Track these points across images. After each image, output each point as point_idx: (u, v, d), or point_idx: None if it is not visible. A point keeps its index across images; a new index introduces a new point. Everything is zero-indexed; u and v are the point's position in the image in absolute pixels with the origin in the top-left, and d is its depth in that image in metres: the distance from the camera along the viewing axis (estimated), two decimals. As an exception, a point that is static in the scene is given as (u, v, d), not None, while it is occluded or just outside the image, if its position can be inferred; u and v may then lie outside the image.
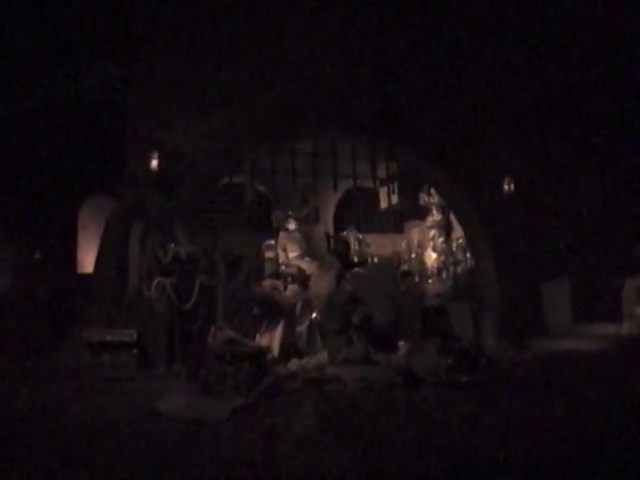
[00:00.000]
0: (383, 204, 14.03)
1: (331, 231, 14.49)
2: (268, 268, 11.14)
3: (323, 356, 7.51)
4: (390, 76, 10.38)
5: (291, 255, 11.18)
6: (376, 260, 13.74)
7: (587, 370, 7.51)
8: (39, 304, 9.35)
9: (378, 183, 13.65)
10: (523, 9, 10.59)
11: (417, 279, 12.94)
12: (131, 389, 6.81)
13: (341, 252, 9.22)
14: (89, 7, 9.03)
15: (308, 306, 8.80)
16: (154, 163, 9.00)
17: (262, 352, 6.64)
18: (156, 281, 8.11)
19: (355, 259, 11.41)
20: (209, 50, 9.79)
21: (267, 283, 9.07)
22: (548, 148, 10.85)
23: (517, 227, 10.60)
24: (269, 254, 11.26)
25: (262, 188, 13.82)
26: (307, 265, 10.87)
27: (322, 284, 8.42)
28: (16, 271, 9.99)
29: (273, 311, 8.47)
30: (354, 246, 13.86)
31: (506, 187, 10.53)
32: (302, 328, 8.54)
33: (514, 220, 10.61)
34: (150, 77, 9.52)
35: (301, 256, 11.34)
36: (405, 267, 13.40)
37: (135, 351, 7.94)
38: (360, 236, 14.10)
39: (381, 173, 12.93)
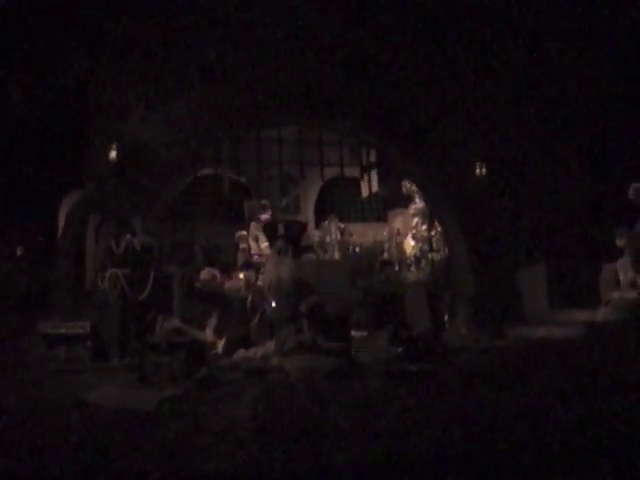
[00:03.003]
0: (364, 192, 13.85)
1: (312, 221, 14.34)
2: (240, 259, 11.01)
3: (270, 346, 7.38)
4: (357, 61, 10.15)
5: (263, 245, 11.02)
6: (357, 250, 13.59)
7: (555, 359, 7.34)
8: (12, 296, 9.25)
9: (359, 171, 13.52)
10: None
11: (397, 268, 12.76)
12: (74, 381, 6.75)
13: (292, 238, 9.09)
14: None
15: (260, 297, 8.66)
16: (113, 154, 8.89)
17: (200, 342, 6.54)
18: (109, 272, 8.05)
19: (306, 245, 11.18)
20: (175, 37, 9.59)
21: (205, 274, 8.87)
22: (523, 132, 10.60)
23: (491, 213, 10.39)
24: (242, 245, 11.12)
25: (241, 178, 13.69)
26: (279, 255, 10.68)
27: (274, 271, 8.30)
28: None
29: (220, 303, 8.32)
30: (335, 235, 13.72)
31: (478, 172, 10.32)
32: (255, 320, 8.40)
33: (488, 206, 10.40)
34: (112, 65, 9.36)
35: (273, 246, 11.15)
36: (386, 256, 13.22)
37: (89, 343, 7.88)
38: (342, 225, 13.94)
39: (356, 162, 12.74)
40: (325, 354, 6.83)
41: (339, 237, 13.75)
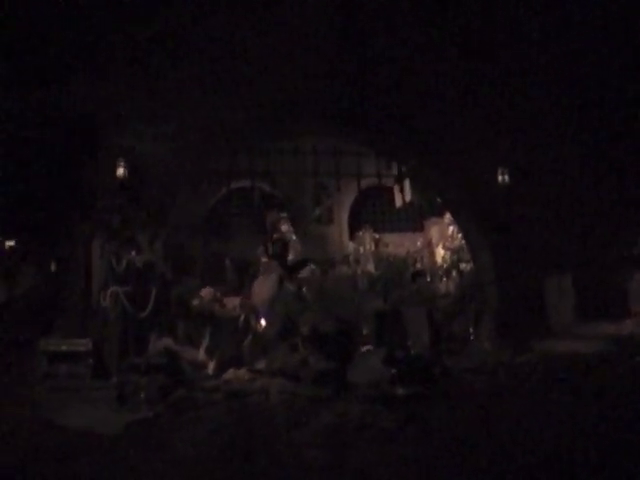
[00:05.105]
0: (398, 202, 13.54)
1: (346, 232, 14.13)
2: (263, 271, 10.88)
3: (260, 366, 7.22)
4: (374, 68, 9.92)
5: (286, 258, 10.87)
6: (392, 260, 13.31)
7: (575, 378, 6.95)
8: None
9: (392, 181, 13.21)
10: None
11: (429, 279, 12.44)
12: (62, 399, 6.75)
13: (277, 254, 8.92)
14: (55, 18, 8.99)
15: (253, 317, 8.51)
16: (121, 171, 8.89)
17: (179, 364, 6.46)
18: (110, 290, 8.06)
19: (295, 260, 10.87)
20: (184, 53, 9.55)
21: (204, 293, 8.73)
22: (548, 138, 10.15)
23: (516, 221, 9.96)
24: (264, 258, 10.98)
25: (274, 190, 13.61)
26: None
27: (263, 288, 8.16)
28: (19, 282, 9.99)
29: (212, 323, 8.19)
30: (370, 246, 13.46)
31: (500, 178, 9.91)
32: (248, 341, 8.24)
33: (513, 214, 9.97)
34: (120, 81, 9.35)
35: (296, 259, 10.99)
36: (418, 266, 12.91)
37: (91, 361, 7.88)
38: (377, 236, 13.69)
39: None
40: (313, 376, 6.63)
41: (373, 248, 13.50)
